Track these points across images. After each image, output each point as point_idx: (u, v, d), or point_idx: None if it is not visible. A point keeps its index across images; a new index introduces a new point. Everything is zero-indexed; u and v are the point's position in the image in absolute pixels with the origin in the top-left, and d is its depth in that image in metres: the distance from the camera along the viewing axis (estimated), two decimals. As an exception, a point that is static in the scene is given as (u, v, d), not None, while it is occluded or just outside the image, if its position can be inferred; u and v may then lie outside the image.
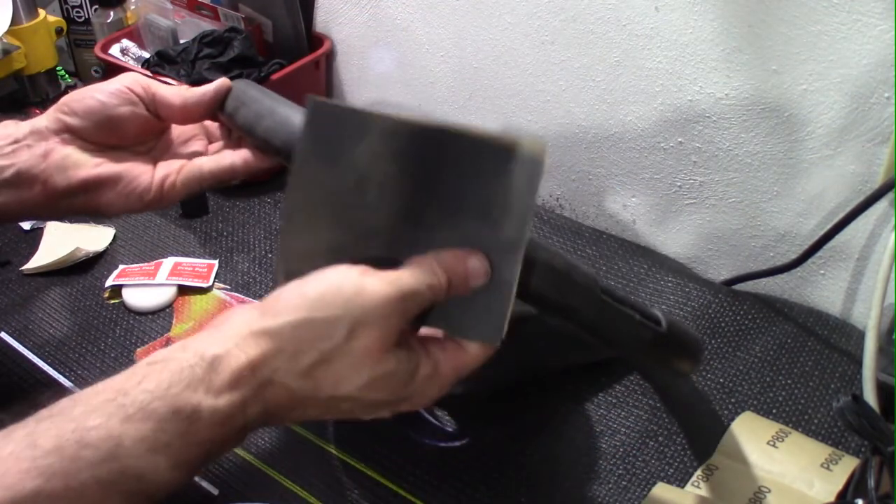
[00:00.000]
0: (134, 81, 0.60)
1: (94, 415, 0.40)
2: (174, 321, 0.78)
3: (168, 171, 0.60)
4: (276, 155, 0.55)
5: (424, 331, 0.47)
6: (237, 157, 0.60)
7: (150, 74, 0.92)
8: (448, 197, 0.44)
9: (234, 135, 0.61)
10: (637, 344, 0.52)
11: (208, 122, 0.63)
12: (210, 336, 0.43)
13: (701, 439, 0.65)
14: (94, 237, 0.88)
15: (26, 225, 0.91)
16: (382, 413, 0.46)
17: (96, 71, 1.09)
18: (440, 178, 0.43)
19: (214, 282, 0.83)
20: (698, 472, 0.61)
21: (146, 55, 0.99)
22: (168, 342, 0.76)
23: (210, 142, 0.64)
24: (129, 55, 1.00)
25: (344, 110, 0.42)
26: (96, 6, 1.06)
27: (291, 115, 0.53)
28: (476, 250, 0.44)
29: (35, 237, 0.89)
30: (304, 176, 0.43)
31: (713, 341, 0.74)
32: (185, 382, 0.41)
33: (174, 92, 0.60)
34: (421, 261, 0.44)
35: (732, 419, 0.65)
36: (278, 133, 0.53)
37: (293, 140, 0.49)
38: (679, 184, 0.82)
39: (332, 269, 0.43)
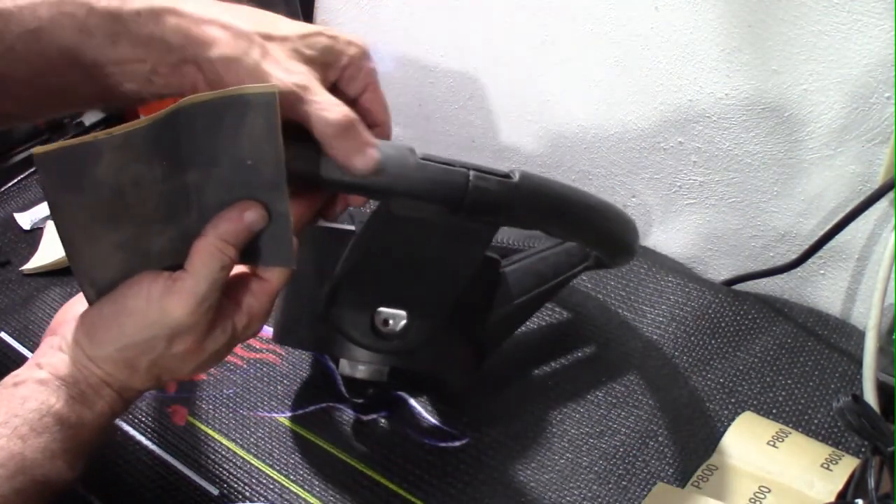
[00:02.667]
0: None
1: None
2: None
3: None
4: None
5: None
6: None
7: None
8: (202, 161, 0.47)
9: None
10: (484, 202, 0.48)
11: None
12: (56, 356, 0.49)
13: (701, 439, 0.65)
14: (94, 237, 0.88)
15: (26, 225, 0.91)
16: (216, 364, 0.52)
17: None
18: (189, 150, 0.46)
19: (214, 282, 0.82)
20: (698, 472, 0.61)
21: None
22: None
23: None
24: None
25: (66, 149, 0.44)
26: None
27: None
28: (248, 201, 0.47)
29: (35, 237, 0.89)
30: (61, 209, 0.45)
31: (713, 341, 0.74)
32: (62, 401, 0.47)
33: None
34: (204, 246, 0.47)
35: (732, 419, 0.65)
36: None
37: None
38: (679, 184, 0.82)
39: (136, 288, 0.48)
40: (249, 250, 0.48)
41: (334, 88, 0.52)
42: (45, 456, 0.46)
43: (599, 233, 0.58)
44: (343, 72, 0.52)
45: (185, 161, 0.47)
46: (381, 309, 0.57)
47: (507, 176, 0.49)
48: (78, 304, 0.51)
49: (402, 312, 0.57)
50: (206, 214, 0.48)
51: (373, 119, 0.53)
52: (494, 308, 0.64)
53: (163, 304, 0.47)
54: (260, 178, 0.46)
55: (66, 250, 0.46)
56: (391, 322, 0.58)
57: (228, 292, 0.50)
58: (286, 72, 0.47)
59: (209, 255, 0.47)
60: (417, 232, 0.52)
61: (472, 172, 0.48)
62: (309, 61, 0.49)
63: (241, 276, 0.50)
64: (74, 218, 0.46)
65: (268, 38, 0.48)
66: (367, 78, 0.53)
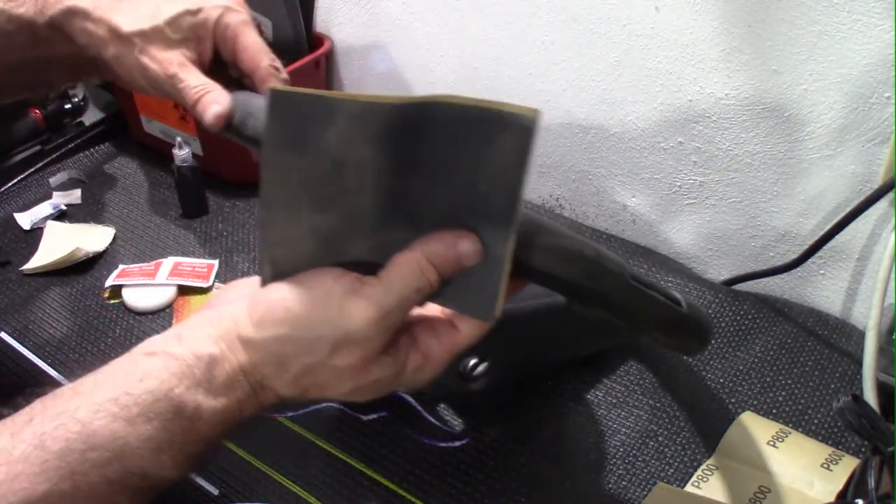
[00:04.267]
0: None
1: (98, 416, 0.41)
2: (174, 321, 0.78)
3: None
4: None
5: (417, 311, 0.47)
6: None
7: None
8: (434, 172, 0.42)
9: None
10: (662, 325, 0.51)
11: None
12: (203, 331, 0.44)
13: (701, 439, 0.65)
14: (94, 237, 0.88)
15: (26, 225, 0.91)
16: (373, 396, 0.47)
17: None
18: (423, 154, 0.41)
19: (214, 282, 0.83)
20: (698, 472, 0.61)
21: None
22: (168, 342, 0.76)
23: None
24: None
25: (306, 97, 0.40)
26: None
27: None
28: (466, 230, 0.42)
29: (35, 237, 0.89)
30: (276, 165, 0.42)
31: (713, 341, 0.74)
32: (185, 384, 0.42)
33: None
34: (406, 260, 0.43)
35: (732, 419, 0.65)
36: None
37: None
38: (679, 184, 0.82)
39: (319, 279, 0.43)
40: (450, 290, 0.43)
41: (217, 55, 0.60)
42: (150, 446, 0.41)
43: (705, 347, 0.58)
44: (215, 36, 0.59)
45: (417, 165, 0.42)
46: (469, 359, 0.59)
47: (678, 304, 0.51)
48: (245, 284, 0.47)
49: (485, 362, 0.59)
50: (417, 232, 0.43)
51: (247, 66, 0.59)
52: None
53: (344, 303, 0.42)
54: (489, 209, 0.41)
55: (260, 216, 0.43)
56: (474, 367, 0.60)
57: (411, 327, 0.46)
58: (159, 64, 0.56)
59: (409, 270, 0.43)
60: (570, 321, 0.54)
61: (661, 298, 0.49)
62: (180, 43, 0.58)
63: (430, 316, 0.46)
64: (285, 182, 0.42)
65: (142, 35, 0.57)
66: (233, 31, 0.59)
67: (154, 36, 0.57)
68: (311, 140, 0.41)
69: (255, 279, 0.46)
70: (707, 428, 0.66)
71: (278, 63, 0.60)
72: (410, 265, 0.43)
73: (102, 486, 0.40)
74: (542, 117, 0.40)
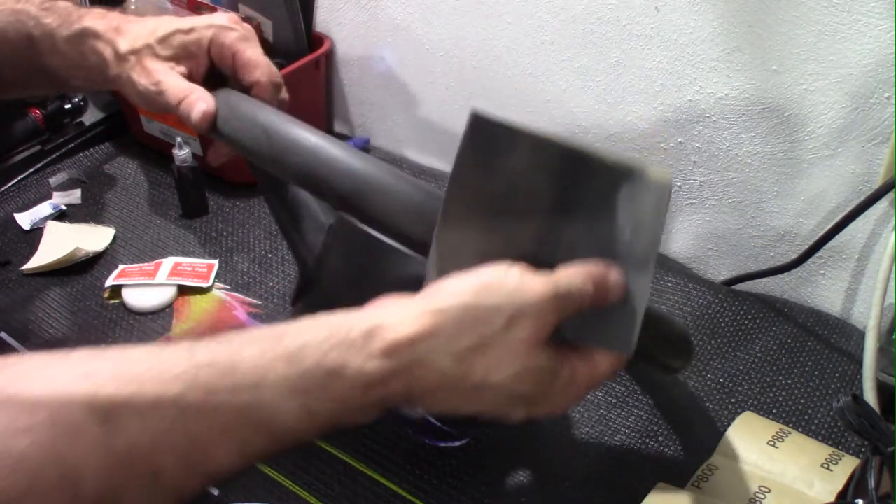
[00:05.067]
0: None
1: (251, 346, 0.42)
2: (174, 321, 0.78)
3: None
4: (281, 175, 0.55)
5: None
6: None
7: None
8: (587, 213, 0.47)
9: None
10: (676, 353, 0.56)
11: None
12: (374, 310, 0.45)
13: (701, 439, 0.65)
14: (94, 237, 0.88)
15: (26, 225, 0.91)
16: (519, 412, 0.47)
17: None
18: (580, 196, 0.47)
19: (214, 282, 0.83)
20: (698, 472, 0.61)
21: (146, 55, 0.99)
22: (168, 342, 0.76)
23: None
24: (128, 55, 1.01)
25: (501, 125, 0.46)
26: (96, 5, 1.06)
27: (302, 136, 0.53)
28: (613, 265, 0.47)
29: (35, 237, 0.89)
30: (462, 181, 0.46)
31: (713, 341, 0.74)
32: (338, 339, 0.42)
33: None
34: (572, 266, 0.46)
35: (732, 419, 0.65)
36: (293, 154, 0.53)
37: (310, 165, 0.51)
38: (679, 184, 0.82)
39: (492, 266, 0.45)
40: (589, 326, 0.47)
41: (214, 69, 0.63)
42: (284, 386, 0.41)
43: (685, 364, 0.60)
44: (210, 53, 0.62)
45: (573, 204, 0.47)
46: None
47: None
48: (406, 295, 0.46)
49: None
50: (565, 260, 0.47)
51: (247, 79, 0.62)
52: None
53: (522, 279, 0.45)
54: (631, 252, 0.47)
55: (437, 229, 0.46)
56: None
57: (562, 347, 0.47)
58: (147, 76, 0.60)
59: (576, 272, 0.46)
60: None
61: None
62: (169, 59, 0.61)
63: (574, 346, 0.48)
64: (465, 197, 0.46)
65: (136, 52, 0.61)
66: (230, 49, 0.62)
67: (145, 52, 0.61)
68: (498, 161, 0.46)
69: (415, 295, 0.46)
70: (707, 428, 0.66)
71: (278, 77, 0.63)
72: (576, 269, 0.46)
73: (230, 410, 0.40)
74: (671, 182, 0.49)
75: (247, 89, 0.62)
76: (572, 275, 0.46)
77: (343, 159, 0.51)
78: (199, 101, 0.58)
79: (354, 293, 0.47)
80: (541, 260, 0.47)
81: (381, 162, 0.51)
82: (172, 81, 0.60)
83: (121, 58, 0.61)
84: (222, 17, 0.63)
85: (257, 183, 0.66)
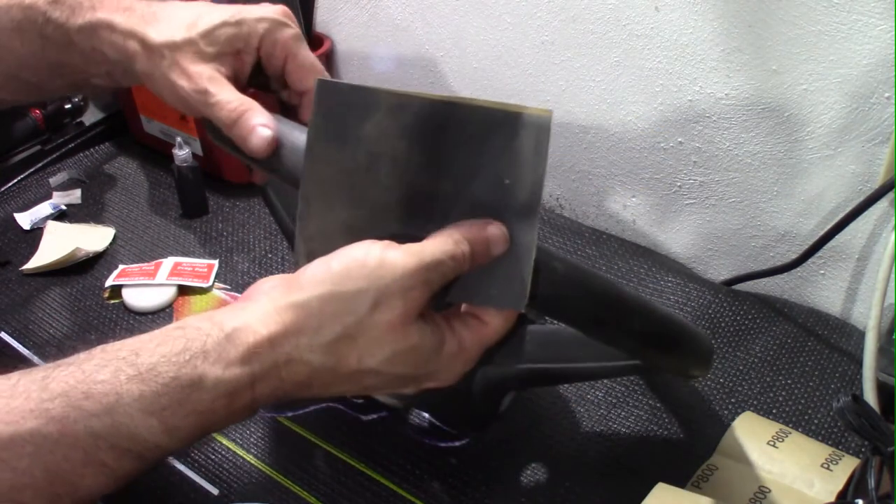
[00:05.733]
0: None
1: (104, 370, 0.41)
2: (174, 321, 0.78)
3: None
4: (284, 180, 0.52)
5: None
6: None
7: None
8: (460, 169, 0.44)
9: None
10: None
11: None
12: (234, 310, 0.43)
13: (701, 439, 0.65)
14: (94, 237, 0.88)
15: (26, 225, 0.91)
16: (407, 388, 0.46)
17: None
18: (450, 151, 0.44)
19: (214, 282, 0.83)
20: (698, 472, 0.61)
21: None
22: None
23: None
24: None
25: (351, 88, 0.44)
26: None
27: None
28: (493, 219, 0.44)
29: (35, 237, 0.89)
30: (317, 157, 0.44)
31: (713, 341, 0.74)
32: (194, 351, 0.41)
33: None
34: (441, 232, 0.44)
35: (732, 419, 0.65)
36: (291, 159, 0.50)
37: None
38: (679, 184, 0.82)
39: (356, 244, 0.44)
40: (477, 286, 0.45)
41: (259, 68, 0.55)
42: (140, 406, 0.40)
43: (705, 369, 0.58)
44: (259, 51, 0.54)
45: (444, 162, 0.44)
46: None
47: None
48: (278, 276, 0.46)
49: None
50: (442, 223, 0.45)
51: (299, 86, 0.55)
52: (494, 361, 0.57)
53: (383, 256, 0.42)
54: (513, 202, 0.44)
55: (299, 210, 0.44)
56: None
57: (447, 316, 0.46)
58: (188, 79, 0.52)
59: (444, 239, 0.43)
60: None
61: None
62: (215, 58, 0.53)
63: (462, 311, 0.46)
64: (324, 175, 0.44)
65: (174, 47, 0.52)
66: (284, 49, 0.54)
67: (186, 48, 0.52)
68: (352, 131, 0.43)
69: (280, 277, 0.45)
70: (707, 428, 0.66)
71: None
72: (445, 234, 0.44)
73: (88, 438, 0.40)
74: (552, 116, 0.45)
75: (297, 94, 0.55)
76: (441, 241, 0.43)
77: None
78: (261, 128, 0.49)
79: None
80: (414, 229, 0.45)
81: None
82: (224, 92, 0.52)
83: (153, 51, 0.53)
84: (275, 10, 0.55)
85: (255, 181, 0.63)
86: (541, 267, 0.45)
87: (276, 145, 0.49)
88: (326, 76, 0.55)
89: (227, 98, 0.51)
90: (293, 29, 0.54)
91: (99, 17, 0.54)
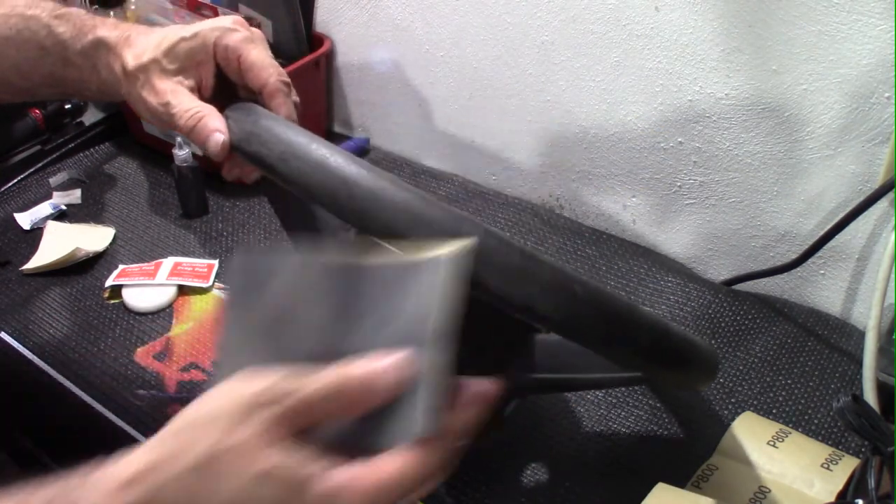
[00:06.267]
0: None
1: None
2: (174, 321, 0.78)
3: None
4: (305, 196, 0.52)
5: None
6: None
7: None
8: (372, 315, 0.43)
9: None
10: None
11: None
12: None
13: (701, 439, 0.65)
14: (94, 237, 0.88)
15: (26, 225, 0.91)
16: None
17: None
18: (360, 302, 0.43)
19: (214, 282, 0.83)
20: (698, 472, 0.61)
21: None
22: (168, 342, 0.76)
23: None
24: (128, 55, 1.01)
25: (259, 254, 0.47)
26: (95, 6, 1.06)
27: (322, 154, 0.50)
28: (397, 349, 0.41)
29: (35, 237, 0.89)
30: (234, 310, 0.46)
31: (713, 341, 0.74)
32: None
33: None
34: (325, 371, 0.40)
35: (732, 419, 0.65)
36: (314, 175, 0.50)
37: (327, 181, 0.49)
38: (679, 184, 0.82)
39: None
40: (378, 426, 0.40)
41: (223, 76, 0.59)
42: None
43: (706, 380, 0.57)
44: (217, 58, 0.58)
45: (352, 314, 0.43)
46: None
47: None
48: None
49: None
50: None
51: (255, 83, 0.57)
52: (508, 369, 0.58)
53: (244, 382, 0.39)
54: (421, 333, 0.41)
55: (216, 350, 0.45)
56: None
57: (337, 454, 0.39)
58: (155, 95, 0.57)
59: (324, 374, 0.39)
60: None
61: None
62: (179, 72, 0.57)
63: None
64: (237, 321, 0.46)
65: (143, 69, 0.57)
66: (235, 51, 0.58)
67: (153, 68, 0.57)
68: (262, 289, 0.45)
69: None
70: (707, 428, 0.66)
71: (286, 77, 0.58)
72: (328, 372, 0.40)
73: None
74: (470, 248, 0.42)
75: (255, 93, 0.58)
76: (318, 378, 0.39)
77: (353, 173, 0.49)
78: (214, 133, 0.54)
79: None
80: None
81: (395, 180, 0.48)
82: (181, 101, 0.56)
83: (129, 75, 0.58)
84: (227, 20, 0.59)
85: (261, 183, 0.64)
86: (560, 288, 0.45)
87: (229, 146, 0.54)
88: (273, 70, 0.58)
89: (186, 106, 0.56)
90: (242, 32, 0.58)
91: (99, 36, 0.58)
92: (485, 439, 0.63)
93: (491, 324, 0.53)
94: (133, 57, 0.58)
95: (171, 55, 0.57)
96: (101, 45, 0.59)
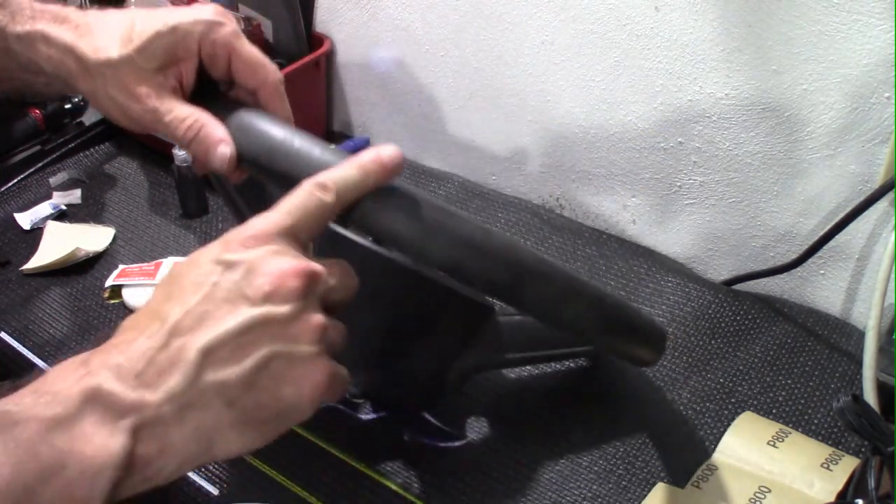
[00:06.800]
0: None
1: None
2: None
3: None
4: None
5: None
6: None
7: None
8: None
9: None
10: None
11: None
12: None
13: (701, 439, 0.65)
14: (94, 237, 0.88)
15: (26, 225, 0.91)
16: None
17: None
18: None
19: (214, 282, 0.82)
20: (698, 472, 0.61)
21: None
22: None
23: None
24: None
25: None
26: (95, 6, 1.06)
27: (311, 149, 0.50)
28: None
29: (35, 237, 0.89)
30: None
31: (713, 341, 0.74)
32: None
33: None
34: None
35: (732, 419, 0.65)
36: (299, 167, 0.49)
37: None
38: (679, 184, 0.82)
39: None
40: None
41: (202, 73, 0.53)
42: None
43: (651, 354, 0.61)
44: (201, 54, 0.52)
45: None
46: None
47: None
48: None
49: None
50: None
51: (249, 83, 0.53)
52: (481, 352, 0.62)
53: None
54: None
55: None
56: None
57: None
58: (136, 100, 0.50)
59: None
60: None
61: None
62: (157, 72, 0.51)
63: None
64: None
65: (111, 65, 0.50)
66: (225, 48, 0.52)
67: (124, 67, 0.50)
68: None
69: None
70: (707, 428, 0.66)
71: (279, 73, 0.55)
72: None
73: None
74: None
75: (248, 93, 0.54)
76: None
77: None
78: (219, 145, 0.50)
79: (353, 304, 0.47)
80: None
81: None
82: (172, 108, 0.51)
83: (90, 72, 0.51)
84: (208, 10, 0.52)
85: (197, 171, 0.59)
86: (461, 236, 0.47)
87: (236, 162, 0.50)
88: (272, 68, 0.54)
89: (181, 115, 0.51)
90: (230, 26, 0.52)
91: (36, 29, 0.52)
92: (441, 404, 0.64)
93: (448, 308, 0.57)
94: (93, 50, 0.51)
95: (147, 53, 0.51)
96: (37, 37, 0.52)
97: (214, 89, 0.55)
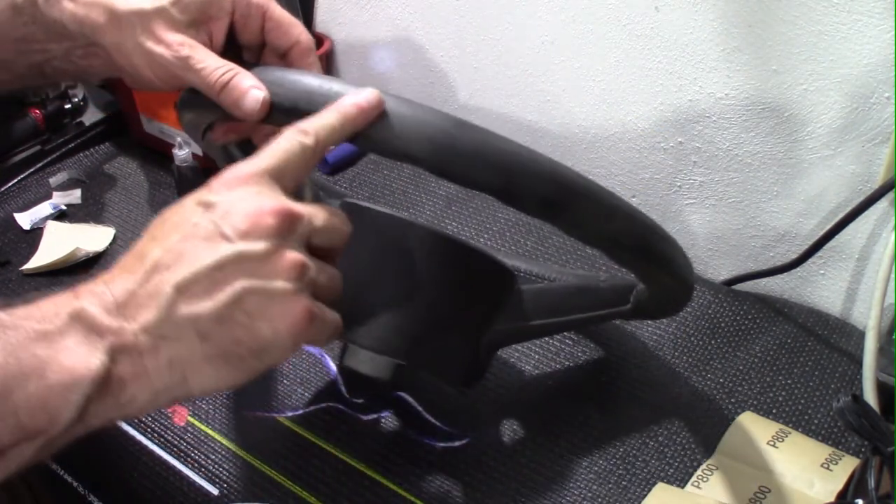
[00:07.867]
0: None
1: None
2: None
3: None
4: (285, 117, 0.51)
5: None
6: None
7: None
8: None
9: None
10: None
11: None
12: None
13: (701, 439, 0.65)
14: (94, 237, 0.88)
15: (26, 225, 0.91)
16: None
17: (96, 71, 1.09)
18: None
19: (214, 282, 0.82)
20: (698, 472, 0.61)
21: (146, 55, 0.99)
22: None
23: None
24: (128, 55, 1.00)
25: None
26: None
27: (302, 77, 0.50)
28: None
29: (35, 237, 0.89)
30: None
31: (713, 341, 0.74)
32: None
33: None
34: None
35: (732, 419, 0.65)
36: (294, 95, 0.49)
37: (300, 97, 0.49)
38: (679, 184, 0.82)
39: None
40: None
41: (231, 37, 0.54)
42: None
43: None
44: (233, 16, 0.53)
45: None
46: None
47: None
48: None
49: None
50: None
51: (282, 43, 0.54)
52: (508, 318, 0.62)
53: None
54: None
55: None
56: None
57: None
58: (166, 46, 0.50)
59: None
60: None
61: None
62: (189, 25, 0.51)
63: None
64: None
65: (143, 15, 0.50)
66: (259, 8, 0.53)
67: (156, 17, 0.50)
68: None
69: None
70: (707, 428, 0.66)
71: (311, 36, 0.55)
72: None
73: None
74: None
75: (278, 57, 0.54)
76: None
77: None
78: (251, 89, 0.48)
79: (366, 270, 0.49)
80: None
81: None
82: (209, 58, 0.50)
83: (120, 21, 0.50)
84: None
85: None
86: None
87: (269, 107, 0.49)
88: (304, 29, 0.54)
89: (214, 64, 0.50)
90: None
91: None
92: (468, 388, 0.64)
93: (473, 269, 0.58)
94: (125, 1, 0.50)
95: (181, 5, 0.51)
96: None
97: (239, 56, 0.55)
